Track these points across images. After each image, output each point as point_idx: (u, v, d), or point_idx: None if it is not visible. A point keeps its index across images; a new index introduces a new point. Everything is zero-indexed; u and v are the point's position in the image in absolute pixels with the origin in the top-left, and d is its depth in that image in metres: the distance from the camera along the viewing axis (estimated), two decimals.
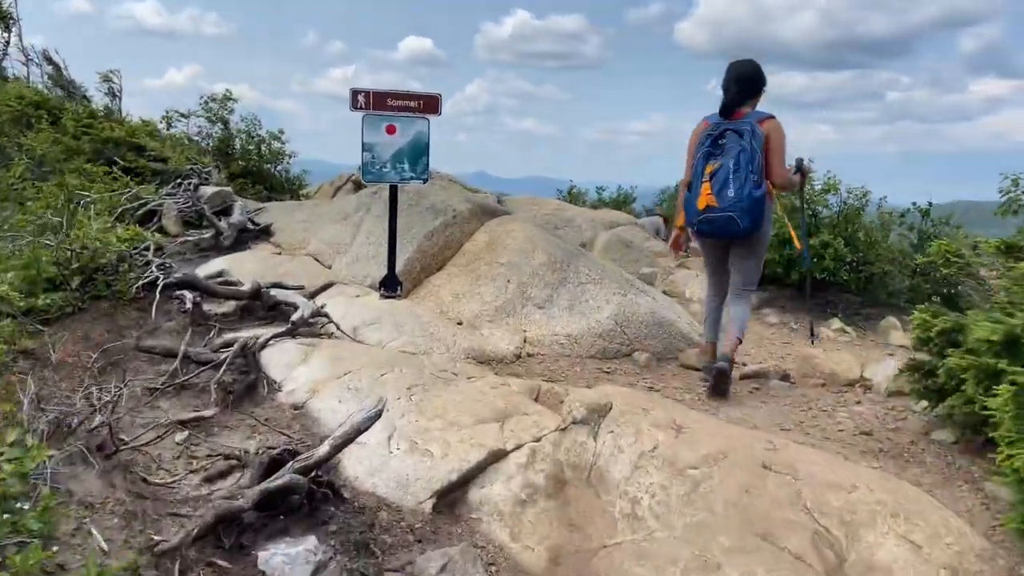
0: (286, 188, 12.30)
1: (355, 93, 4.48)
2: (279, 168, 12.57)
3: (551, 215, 13.38)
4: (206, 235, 5.98)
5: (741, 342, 4.39)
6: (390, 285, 4.75)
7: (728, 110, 4.06)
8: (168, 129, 12.62)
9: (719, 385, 4.18)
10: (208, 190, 6.71)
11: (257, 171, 11.91)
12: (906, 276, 7.66)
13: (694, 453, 2.86)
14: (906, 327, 6.73)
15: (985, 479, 3.16)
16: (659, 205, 19.21)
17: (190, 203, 6.43)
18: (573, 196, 19.41)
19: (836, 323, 6.92)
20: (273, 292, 4.44)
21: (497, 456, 2.90)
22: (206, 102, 11.86)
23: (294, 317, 4.06)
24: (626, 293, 5.25)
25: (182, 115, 12.12)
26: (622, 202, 19.37)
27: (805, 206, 5.33)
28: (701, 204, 4.08)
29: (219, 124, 12.08)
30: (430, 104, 4.61)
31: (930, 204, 8.26)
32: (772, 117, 4.05)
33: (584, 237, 10.58)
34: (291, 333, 4.01)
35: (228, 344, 3.75)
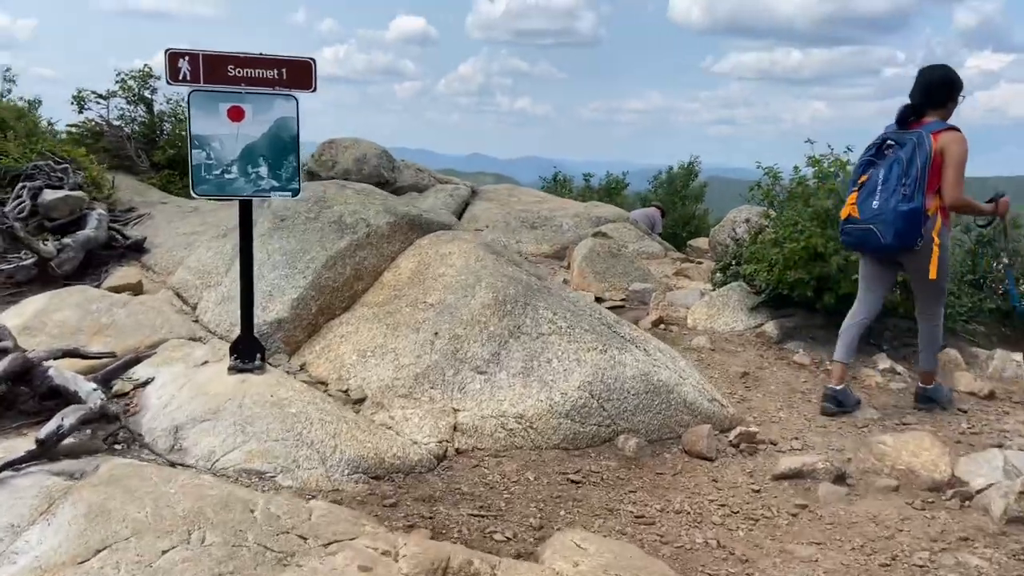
0: None
1: (174, 57, 2.81)
2: None
3: (528, 210, 11.74)
4: (27, 261, 4.35)
5: (932, 375, 4.25)
6: (245, 353, 3.13)
7: (903, 119, 3.84)
8: (80, 113, 10.94)
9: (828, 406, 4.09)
10: (50, 196, 5.05)
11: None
12: (964, 289, 6.07)
13: None
14: (972, 364, 5.18)
15: None
16: (654, 192, 17.59)
17: (21, 213, 4.78)
18: (559, 184, 17.76)
19: (883, 361, 5.34)
20: (51, 372, 2.83)
21: None
22: (123, 80, 10.14)
23: (52, 426, 2.45)
24: (606, 348, 3.65)
25: (100, 96, 10.41)
26: (613, 190, 17.72)
27: (1005, 241, 4.92)
28: (844, 213, 3.99)
29: (140, 106, 10.37)
30: (297, 73, 2.94)
31: None
32: (952, 129, 3.78)
33: (565, 238, 8.96)
34: (46, 454, 2.42)
35: None
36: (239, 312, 3.39)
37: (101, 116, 10.43)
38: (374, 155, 12.07)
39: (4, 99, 11.68)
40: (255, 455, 2.72)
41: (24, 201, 4.89)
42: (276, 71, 2.90)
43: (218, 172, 2.91)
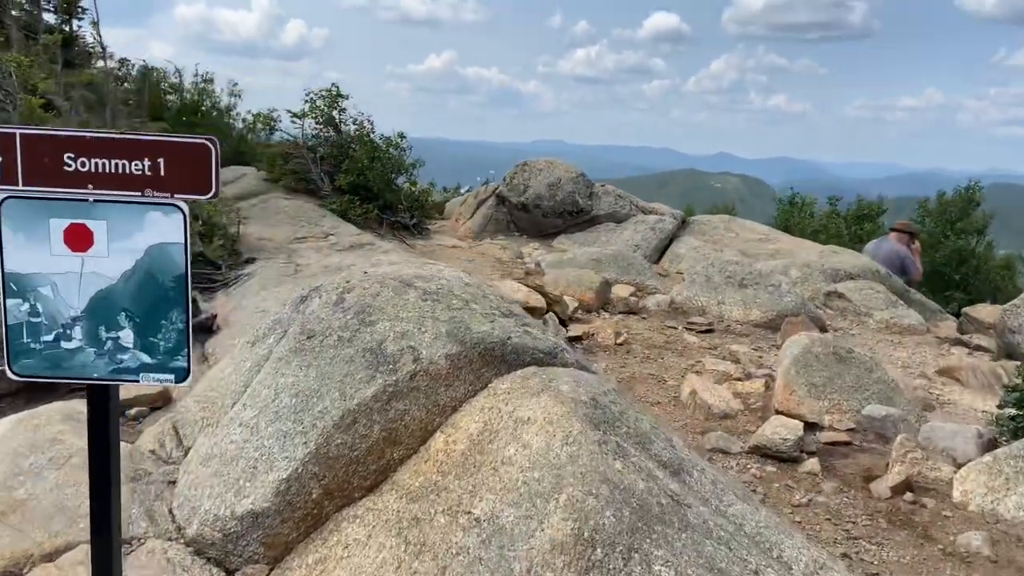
0: (405, 206, 9.91)
1: None
2: (400, 180, 10.21)
3: (744, 253, 9.66)
4: None
5: None
6: None
7: None
8: (271, 134, 10.85)
9: None
10: None
11: (369, 185, 9.62)
12: None
13: None
14: None
15: None
16: (920, 220, 14.22)
17: None
18: (795, 208, 15.08)
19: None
20: None
21: None
22: (311, 100, 9.77)
23: None
24: None
25: (295, 116, 10.19)
26: (865, 216, 14.68)
27: None
28: None
29: (329, 128, 9.96)
30: (185, 167, 1.65)
31: None
32: None
33: (783, 303, 6.89)
34: None
35: None
36: (214, 486, 2.16)
37: (292, 137, 10.23)
38: (569, 180, 10.72)
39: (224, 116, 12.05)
40: None
41: None
42: (148, 163, 1.61)
43: (50, 338, 1.70)
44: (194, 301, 4.42)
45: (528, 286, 6.06)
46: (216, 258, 5.11)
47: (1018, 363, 5.62)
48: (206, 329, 4.21)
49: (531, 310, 5.85)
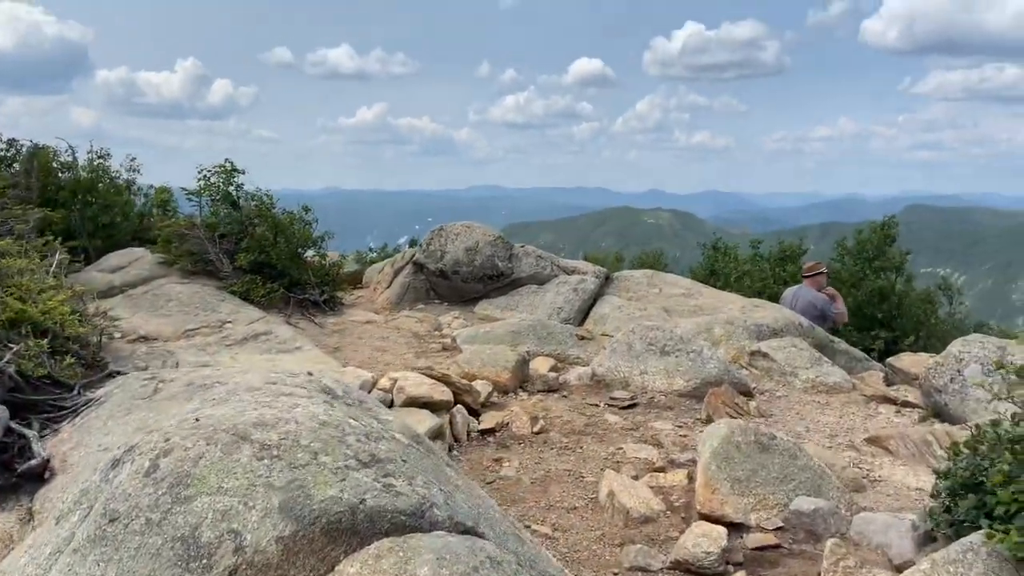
0: (314, 282, 9.36)
1: None
2: (307, 254, 9.67)
3: (668, 311, 9.43)
4: None
5: None
6: None
7: None
8: (164, 215, 10.22)
9: None
10: None
11: (273, 262, 9.05)
12: None
13: None
14: None
15: None
16: (839, 260, 14.35)
17: None
18: (719, 253, 15.09)
19: None
20: None
21: None
22: (205, 176, 9.21)
23: None
24: None
25: (191, 194, 9.59)
26: (788, 257, 14.77)
27: None
28: None
29: (226, 205, 9.38)
30: None
31: None
32: None
33: (706, 370, 6.56)
34: None
35: None
36: None
37: (188, 216, 9.63)
38: (487, 243, 10.37)
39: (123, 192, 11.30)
40: None
41: None
42: None
43: None
44: (24, 441, 3.78)
45: (434, 376, 5.59)
46: (67, 378, 4.48)
47: (948, 427, 5.40)
48: (36, 477, 3.58)
49: (436, 405, 5.37)
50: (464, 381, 5.73)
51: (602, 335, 9.00)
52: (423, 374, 5.60)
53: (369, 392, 5.49)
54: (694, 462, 4.81)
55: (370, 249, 19.70)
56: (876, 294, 12.92)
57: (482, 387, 6.11)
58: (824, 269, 9.42)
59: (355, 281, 11.67)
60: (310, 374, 4.01)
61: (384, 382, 5.58)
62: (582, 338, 8.77)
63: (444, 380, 5.58)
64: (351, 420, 2.99)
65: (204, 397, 3.44)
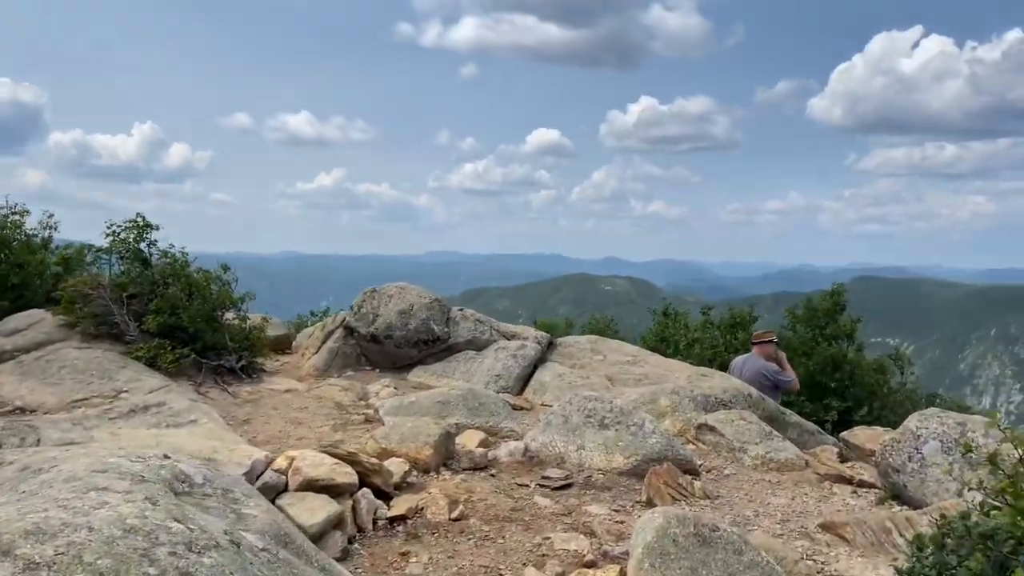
0: (231, 346, 8.62)
1: None
2: (226, 317, 8.95)
3: (612, 379, 8.92)
4: None
5: None
6: None
7: None
8: (65, 273, 9.46)
9: None
10: None
11: (185, 325, 8.30)
12: None
13: None
14: None
15: None
16: (790, 328, 14.10)
17: None
18: (670, 319, 14.73)
19: None
20: None
21: None
22: (114, 232, 8.51)
23: None
24: None
25: (100, 251, 8.87)
26: (738, 324, 14.48)
27: None
28: None
29: (136, 263, 8.67)
30: None
31: None
32: None
33: (648, 445, 6.00)
34: None
35: None
36: None
37: (93, 274, 8.87)
38: (423, 306, 9.79)
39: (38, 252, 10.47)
40: None
41: None
42: None
43: None
44: None
45: (338, 455, 4.91)
46: None
47: (909, 512, 4.89)
48: None
49: (338, 488, 4.68)
50: (374, 460, 5.05)
51: (541, 405, 8.42)
52: (326, 452, 4.91)
53: (261, 474, 4.79)
54: (628, 555, 4.19)
55: (312, 313, 18.92)
56: (828, 362, 12.62)
57: (397, 466, 5.43)
58: (774, 337, 9.03)
59: (284, 346, 10.94)
60: (166, 456, 3.34)
61: (280, 462, 4.88)
62: (519, 408, 8.17)
63: (350, 459, 4.90)
64: (173, 523, 2.33)
65: (16, 488, 2.77)
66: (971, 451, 3.18)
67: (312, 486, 4.64)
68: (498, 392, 8.64)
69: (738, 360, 9.13)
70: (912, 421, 5.23)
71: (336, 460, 4.79)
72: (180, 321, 8.28)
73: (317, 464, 4.72)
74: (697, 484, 5.76)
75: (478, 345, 9.77)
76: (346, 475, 4.71)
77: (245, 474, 4.69)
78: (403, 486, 5.35)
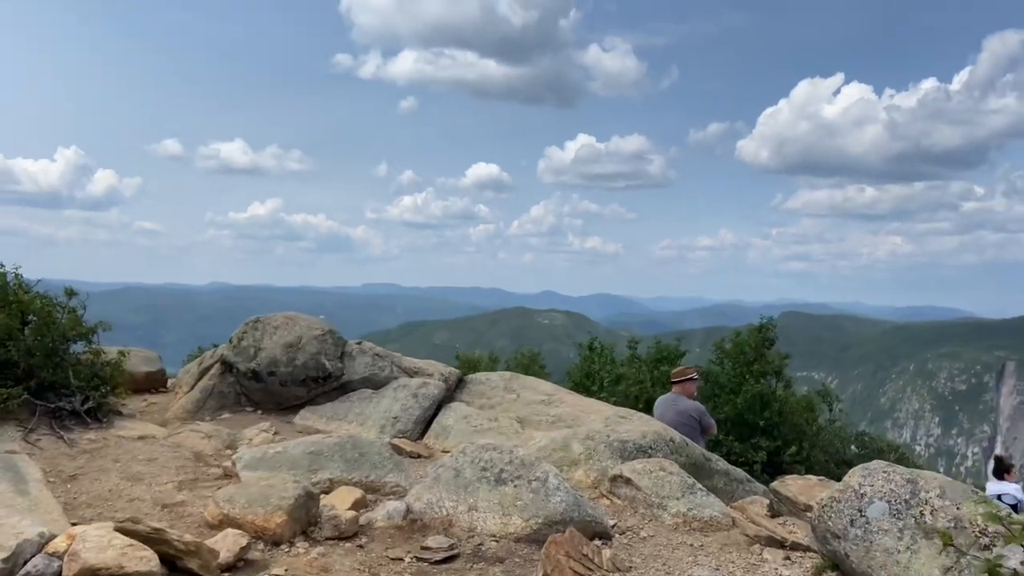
0: (76, 384, 7.29)
1: None
2: (73, 350, 7.63)
3: (523, 421, 7.96)
4: None
5: None
6: None
7: None
8: None
9: None
10: None
11: (16, 360, 6.96)
12: None
13: None
14: None
15: None
16: (718, 364, 13.46)
17: None
18: (595, 354, 13.90)
19: None
20: None
21: None
22: None
23: None
24: None
25: None
26: (665, 358, 13.76)
27: None
28: None
29: None
30: None
31: None
32: None
33: (550, 505, 5.02)
34: None
35: None
36: None
37: None
38: (313, 338, 8.64)
39: None
40: None
41: None
42: None
43: None
44: None
45: (137, 534, 3.76)
46: None
47: None
48: None
49: None
50: (189, 539, 3.91)
51: (442, 451, 7.38)
52: (122, 530, 3.76)
53: (28, 559, 3.61)
54: None
55: (214, 345, 17.36)
56: (757, 400, 11.95)
57: (232, 541, 4.29)
58: (694, 375, 8.24)
59: (158, 384, 9.61)
60: None
61: (59, 542, 3.70)
62: (416, 456, 7.11)
63: (154, 539, 3.76)
64: None
65: None
66: (946, 539, 2.31)
67: (94, 575, 3.48)
68: (395, 436, 7.58)
69: (661, 400, 8.30)
70: (854, 478, 4.41)
71: (131, 541, 3.64)
72: (10, 355, 6.95)
73: (103, 547, 3.57)
74: (607, 553, 4.80)
75: (376, 383, 8.67)
76: (141, 561, 3.57)
77: (5, 560, 3.51)
78: (236, 567, 4.22)
